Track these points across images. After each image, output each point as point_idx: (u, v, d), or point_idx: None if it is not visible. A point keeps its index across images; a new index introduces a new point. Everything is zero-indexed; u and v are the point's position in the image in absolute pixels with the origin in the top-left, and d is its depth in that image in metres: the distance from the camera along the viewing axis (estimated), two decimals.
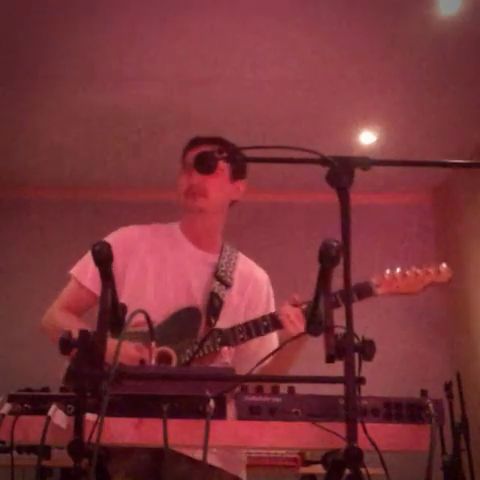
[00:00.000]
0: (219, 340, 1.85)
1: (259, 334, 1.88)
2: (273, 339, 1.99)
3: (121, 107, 4.48)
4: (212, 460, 1.76)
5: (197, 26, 3.71)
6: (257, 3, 3.56)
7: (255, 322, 1.88)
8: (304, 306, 1.82)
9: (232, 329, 1.87)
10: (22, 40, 3.79)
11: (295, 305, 1.85)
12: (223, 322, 1.91)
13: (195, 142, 2.05)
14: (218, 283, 1.99)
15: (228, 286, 2.00)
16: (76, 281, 1.99)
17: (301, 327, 1.79)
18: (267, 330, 1.88)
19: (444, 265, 1.93)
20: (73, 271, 2.01)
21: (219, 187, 2.00)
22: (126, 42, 3.85)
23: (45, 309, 2.05)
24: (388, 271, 1.93)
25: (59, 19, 3.62)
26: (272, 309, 2.01)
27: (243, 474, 1.89)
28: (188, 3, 3.55)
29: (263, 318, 1.88)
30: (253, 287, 2.06)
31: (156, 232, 2.09)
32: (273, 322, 1.87)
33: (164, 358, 1.83)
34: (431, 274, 1.92)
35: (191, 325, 1.91)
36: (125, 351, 1.69)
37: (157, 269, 1.99)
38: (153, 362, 1.54)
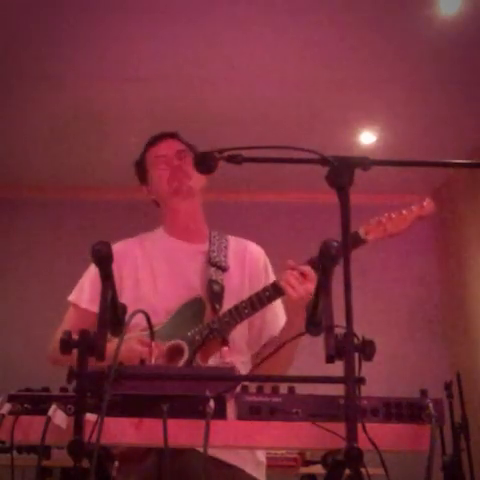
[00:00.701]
0: (227, 320, 1.86)
1: (263, 305, 1.88)
2: (276, 310, 2.02)
3: (121, 107, 4.48)
4: (231, 459, 1.76)
5: (198, 27, 3.71)
6: (257, 5, 3.56)
7: (257, 295, 1.88)
8: (302, 267, 1.83)
9: (236, 307, 1.87)
10: (22, 40, 3.79)
11: (293, 269, 1.84)
12: (228, 306, 1.92)
13: (157, 138, 2.16)
14: (214, 269, 2.00)
15: (225, 270, 2.02)
16: (74, 306, 2.01)
17: (301, 290, 1.80)
18: (270, 299, 1.88)
19: (427, 199, 1.95)
20: (70, 297, 2.04)
21: (191, 169, 2.02)
22: (127, 43, 3.86)
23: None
24: (375, 218, 1.95)
25: (58, 19, 3.63)
26: (272, 278, 2.02)
27: (262, 475, 1.88)
28: (188, 4, 3.56)
29: (264, 289, 1.89)
30: (250, 261, 2.08)
31: (143, 240, 2.12)
32: (274, 290, 1.87)
33: (176, 351, 1.84)
34: (415, 210, 1.94)
35: (196, 315, 1.92)
36: (129, 347, 1.70)
37: (152, 273, 2.01)
38: (153, 361, 1.55)
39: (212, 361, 1.84)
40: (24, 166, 5.31)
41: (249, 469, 1.83)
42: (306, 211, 5.46)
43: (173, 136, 2.15)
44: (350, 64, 4.02)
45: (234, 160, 1.33)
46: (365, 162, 1.24)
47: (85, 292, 1.98)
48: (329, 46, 3.88)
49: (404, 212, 1.94)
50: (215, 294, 1.95)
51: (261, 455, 1.91)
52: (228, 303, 1.93)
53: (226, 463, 1.74)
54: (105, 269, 1.17)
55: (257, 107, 4.46)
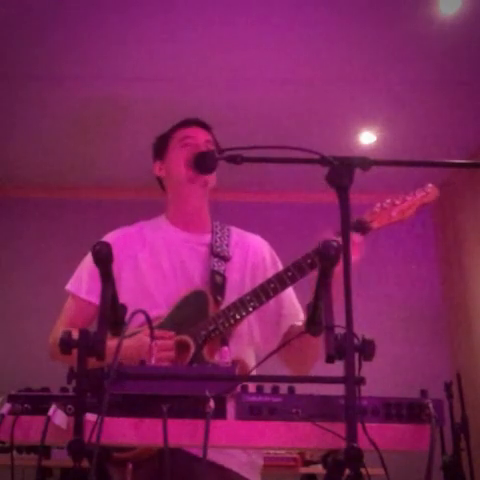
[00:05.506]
0: (232, 313, 1.81)
1: (268, 297, 1.82)
2: (293, 299, 1.99)
3: (121, 107, 4.48)
4: (225, 462, 1.75)
5: (197, 26, 3.71)
6: (257, 4, 3.56)
7: (262, 286, 1.83)
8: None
9: (241, 300, 1.82)
10: (18, 40, 3.79)
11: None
12: (230, 297, 1.87)
13: (191, 122, 2.16)
14: (216, 260, 1.97)
15: (227, 260, 1.98)
16: (73, 295, 1.98)
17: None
18: (275, 291, 1.82)
19: (430, 185, 1.94)
20: (68, 286, 2.00)
21: None
22: (126, 42, 3.86)
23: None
24: (378, 204, 1.91)
25: (56, 18, 3.63)
26: (280, 268, 1.96)
27: (256, 477, 1.86)
28: (188, 4, 3.56)
29: (269, 281, 1.82)
30: (254, 253, 2.04)
31: (143, 229, 2.08)
32: (279, 281, 1.82)
33: (182, 347, 1.81)
34: (419, 197, 1.91)
35: (200, 308, 1.87)
36: (141, 342, 1.68)
37: (153, 264, 1.97)
38: (153, 361, 1.54)
39: (218, 356, 1.82)
40: (24, 166, 5.31)
41: (242, 471, 1.80)
42: (306, 211, 5.46)
43: (206, 127, 2.15)
44: (350, 64, 4.02)
45: (234, 160, 1.33)
46: (365, 162, 1.25)
47: (83, 282, 1.95)
48: (329, 46, 3.88)
49: (408, 198, 1.90)
50: (217, 285, 1.91)
51: (257, 457, 1.88)
52: (230, 294, 1.89)
53: (215, 464, 1.71)
54: (105, 269, 1.17)
55: (257, 107, 4.46)
